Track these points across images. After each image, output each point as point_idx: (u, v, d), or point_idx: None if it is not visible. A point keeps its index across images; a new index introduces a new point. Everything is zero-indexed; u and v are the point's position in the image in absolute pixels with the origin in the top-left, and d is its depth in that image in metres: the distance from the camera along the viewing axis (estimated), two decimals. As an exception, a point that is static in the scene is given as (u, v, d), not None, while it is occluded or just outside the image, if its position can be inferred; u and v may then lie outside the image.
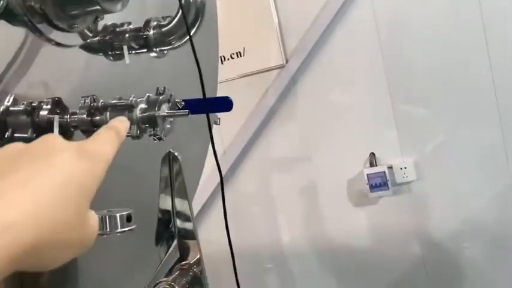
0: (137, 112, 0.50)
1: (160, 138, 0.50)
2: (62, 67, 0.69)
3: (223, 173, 1.95)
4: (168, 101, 0.52)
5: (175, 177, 0.81)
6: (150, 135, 0.50)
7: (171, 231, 0.87)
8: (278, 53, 1.74)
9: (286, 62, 1.74)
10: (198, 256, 0.86)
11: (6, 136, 0.55)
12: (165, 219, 0.86)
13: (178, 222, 0.84)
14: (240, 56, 1.79)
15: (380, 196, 1.69)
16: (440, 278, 1.69)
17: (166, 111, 0.51)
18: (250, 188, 1.88)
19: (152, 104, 0.51)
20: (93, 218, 0.33)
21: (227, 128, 1.82)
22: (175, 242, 0.84)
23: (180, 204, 0.83)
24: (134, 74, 0.75)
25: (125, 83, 0.75)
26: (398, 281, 1.72)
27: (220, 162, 2.01)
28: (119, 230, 0.54)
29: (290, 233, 1.86)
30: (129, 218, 0.55)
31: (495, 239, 1.60)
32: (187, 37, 0.67)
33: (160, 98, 0.51)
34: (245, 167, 1.87)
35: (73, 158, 0.30)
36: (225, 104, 0.55)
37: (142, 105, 0.51)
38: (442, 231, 1.67)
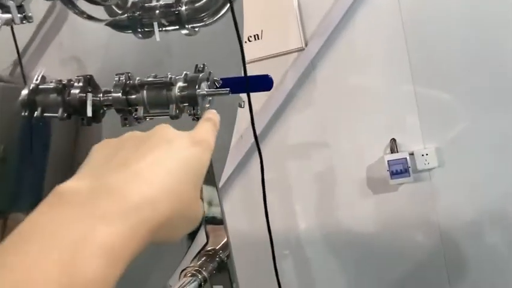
0: (176, 90, 0.48)
1: (199, 118, 0.47)
2: (88, 45, 0.66)
3: (239, 159, 1.93)
4: (207, 79, 0.49)
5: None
6: (189, 115, 0.47)
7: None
8: (297, 35, 1.70)
9: (306, 45, 1.70)
10: (225, 241, 0.83)
11: (35, 115, 0.52)
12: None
13: (206, 208, 0.81)
14: (258, 38, 1.75)
15: (400, 183, 1.65)
16: (460, 266, 1.66)
17: (206, 89, 0.48)
18: (266, 173, 1.85)
19: (191, 82, 0.48)
20: (201, 202, 0.35)
21: (244, 112, 1.78)
22: (202, 227, 0.82)
23: (207, 190, 0.81)
24: (161, 52, 0.72)
25: (152, 61, 0.72)
26: (417, 269, 1.70)
27: (236, 147, 1.98)
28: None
29: (307, 220, 1.83)
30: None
31: (518, 228, 1.57)
32: (220, 14, 0.64)
33: (200, 75, 0.48)
34: (262, 152, 1.84)
35: (188, 144, 0.33)
36: (265, 83, 0.52)
37: (181, 84, 0.48)
38: (463, 219, 1.63)
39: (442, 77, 1.59)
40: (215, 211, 0.82)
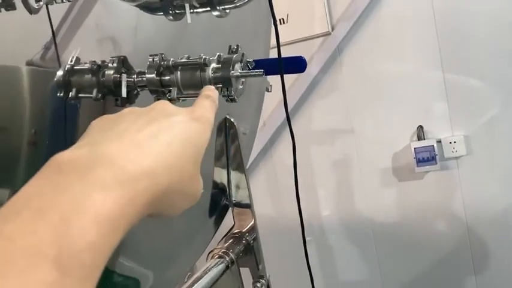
0: (209, 72, 0.47)
1: (233, 100, 0.47)
2: (121, 26, 0.66)
3: (262, 145, 1.93)
4: (241, 61, 0.49)
5: (231, 144, 0.79)
6: (223, 96, 0.47)
7: (225, 201, 0.86)
8: (323, 20, 1.67)
9: (332, 29, 1.67)
10: (251, 223, 0.84)
11: (70, 96, 0.53)
12: (220, 189, 0.84)
13: (234, 192, 0.82)
14: (283, 23, 1.73)
15: (427, 171, 1.63)
16: (486, 257, 1.64)
17: (240, 71, 0.48)
18: (290, 160, 1.85)
19: (225, 63, 0.48)
20: (200, 176, 0.34)
21: (268, 98, 1.78)
22: (230, 210, 0.83)
23: (235, 173, 0.81)
24: (192, 33, 0.72)
25: (182, 43, 0.72)
26: (442, 259, 1.68)
27: (259, 134, 1.98)
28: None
29: (329, 206, 1.83)
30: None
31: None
32: (251, -5, 0.63)
33: (234, 57, 0.48)
34: (285, 139, 1.83)
35: (187, 119, 0.33)
36: (298, 64, 0.51)
37: (214, 65, 0.48)
38: (490, 209, 1.60)
39: (472, 63, 1.55)
40: (243, 195, 0.82)
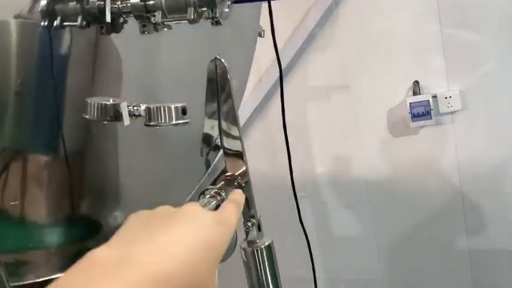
0: (194, -6, 0.47)
1: (218, 22, 0.47)
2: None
3: (257, 102, 1.92)
4: (226, -16, 0.48)
5: (221, 89, 0.78)
6: (207, 19, 0.47)
7: (216, 144, 0.86)
8: (320, -28, 1.63)
9: (329, -18, 1.64)
10: (243, 169, 0.84)
11: (55, 25, 0.52)
12: (210, 133, 0.84)
13: (225, 139, 0.82)
14: (279, -24, 1.69)
15: (421, 126, 1.63)
16: (478, 212, 1.66)
17: (225, -8, 0.47)
18: (286, 117, 1.84)
19: (209, -15, 0.47)
20: (216, 278, 0.38)
21: (263, 53, 1.76)
22: (220, 152, 0.83)
23: (226, 119, 0.81)
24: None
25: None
26: (435, 213, 1.71)
27: (255, 91, 1.97)
28: (174, 121, 0.52)
29: (325, 163, 1.84)
30: (184, 111, 0.53)
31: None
32: None
33: (219, -22, 0.47)
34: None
35: (212, 223, 0.37)
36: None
37: (199, -13, 0.47)
38: (484, 164, 1.62)
39: (470, 17, 1.53)
40: (234, 142, 0.82)
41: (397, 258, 1.82)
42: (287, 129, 1.91)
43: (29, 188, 0.58)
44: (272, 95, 1.82)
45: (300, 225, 1.27)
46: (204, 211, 0.39)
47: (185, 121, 0.52)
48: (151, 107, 0.51)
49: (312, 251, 1.95)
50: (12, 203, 0.56)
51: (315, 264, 1.97)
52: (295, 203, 2.03)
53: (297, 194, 1.97)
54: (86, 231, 0.64)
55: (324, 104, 1.77)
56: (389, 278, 1.85)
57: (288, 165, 1.92)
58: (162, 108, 0.51)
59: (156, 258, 0.32)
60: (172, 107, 0.51)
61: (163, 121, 0.52)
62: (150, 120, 0.52)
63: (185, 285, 0.32)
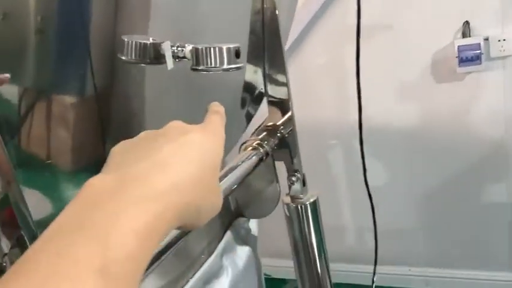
0: None
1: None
2: None
3: (290, 42, 1.80)
4: None
5: (268, 24, 0.70)
6: None
7: (259, 90, 0.79)
8: None
9: None
10: (287, 116, 0.77)
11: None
12: (253, 81, 0.77)
13: (269, 83, 0.74)
14: None
15: (469, 72, 1.51)
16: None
17: None
18: (320, 59, 1.74)
19: None
20: (219, 188, 0.37)
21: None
22: (264, 100, 0.76)
23: (272, 61, 0.73)
24: None
25: None
26: (477, 162, 1.62)
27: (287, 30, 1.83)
28: (225, 66, 0.45)
29: (363, 108, 1.74)
30: (237, 53, 0.45)
31: None
32: None
33: None
34: (315, 36, 1.70)
35: (202, 135, 0.35)
36: None
37: None
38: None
39: None
40: (278, 87, 0.75)
41: (433, 208, 1.76)
42: (321, 72, 1.81)
43: (55, 130, 0.53)
44: (306, 35, 1.71)
45: (365, 185, 1.21)
46: (191, 125, 0.36)
47: (238, 65, 0.44)
48: (200, 47, 0.44)
49: (342, 200, 1.91)
50: (38, 146, 0.51)
51: (346, 214, 1.94)
52: (323, 151, 1.96)
53: (328, 141, 1.90)
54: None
55: (364, 44, 1.64)
56: (425, 228, 1.81)
57: (321, 111, 1.84)
58: (212, 49, 0.43)
59: (159, 174, 0.30)
60: (224, 47, 0.43)
61: (213, 65, 0.44)
62: (197, 63, 0.44)
63: (195, 198, 0.31)
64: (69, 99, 0.55)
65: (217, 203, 0.36)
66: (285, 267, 1.74)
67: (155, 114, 0.62)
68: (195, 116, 0.70)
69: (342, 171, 1.85)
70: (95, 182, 0.29)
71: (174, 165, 0.31)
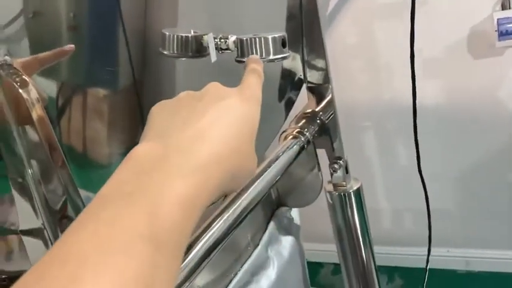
0: None
1: None
2: None
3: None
4: None
5: (306, 5, 0.67)
6: None
7: (298, 77, 0.76)
8: None
9: None
10: (326, 101, 0.75)
11: None
12: (292, 67, 0.74)
13: (308, 72, 0.72)
14: None
15: (509, 46, 1.44)
16: None
17: None
18: (350, 37, 1.69)
19: None
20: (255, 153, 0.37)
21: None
22: (304, 87, 0.74)
23: (311, 46, 0.70)
24: None
25: None
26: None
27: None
28: (271, 56, 0.43)
29: (393, 89, 1.69)
30: (284, 42, 0.43)
31: None
32: None
33: None
34: (346, 15, 1.66)
35: (239, 101, 0.35)
36: None
37: None
38: None
39: None
40: (319, 75, 0.73)
41: (466, 189, 1.71)
42: (351, 53, 1.76)
43: (92, 123, 0.53)
44: (336, 15, 1.66)
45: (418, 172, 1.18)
46: (228, 89, 0.36)
47: (284, 55, 0.43)
48: (244, 38, 0.42)
49: (376, 181, 1.88)
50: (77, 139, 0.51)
51: (379, 195, 1.91)
52: (355, 134, 1.92)
53: (361, 123, 1.86)
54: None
55: (395, 22, 1.59)
56: (457, 209, 1.77)
57: (351, 91, 1.79)
58: (257, 39, 0.42)
59: (200, 144, 0.31)
60: (270, 37, 0.42)
61: (258, 56, 0.42)
62: (242, 55, 0.43)
63: (233, 167, 0.32)
64: (104, 92, 0.55)
65: (253, 168, 0.36)
66: (322, 250, 1.74)
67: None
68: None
69: (375, 153, 1.81)
70: (140, 152, 0.29)
71: (214, 135, 0.31)
